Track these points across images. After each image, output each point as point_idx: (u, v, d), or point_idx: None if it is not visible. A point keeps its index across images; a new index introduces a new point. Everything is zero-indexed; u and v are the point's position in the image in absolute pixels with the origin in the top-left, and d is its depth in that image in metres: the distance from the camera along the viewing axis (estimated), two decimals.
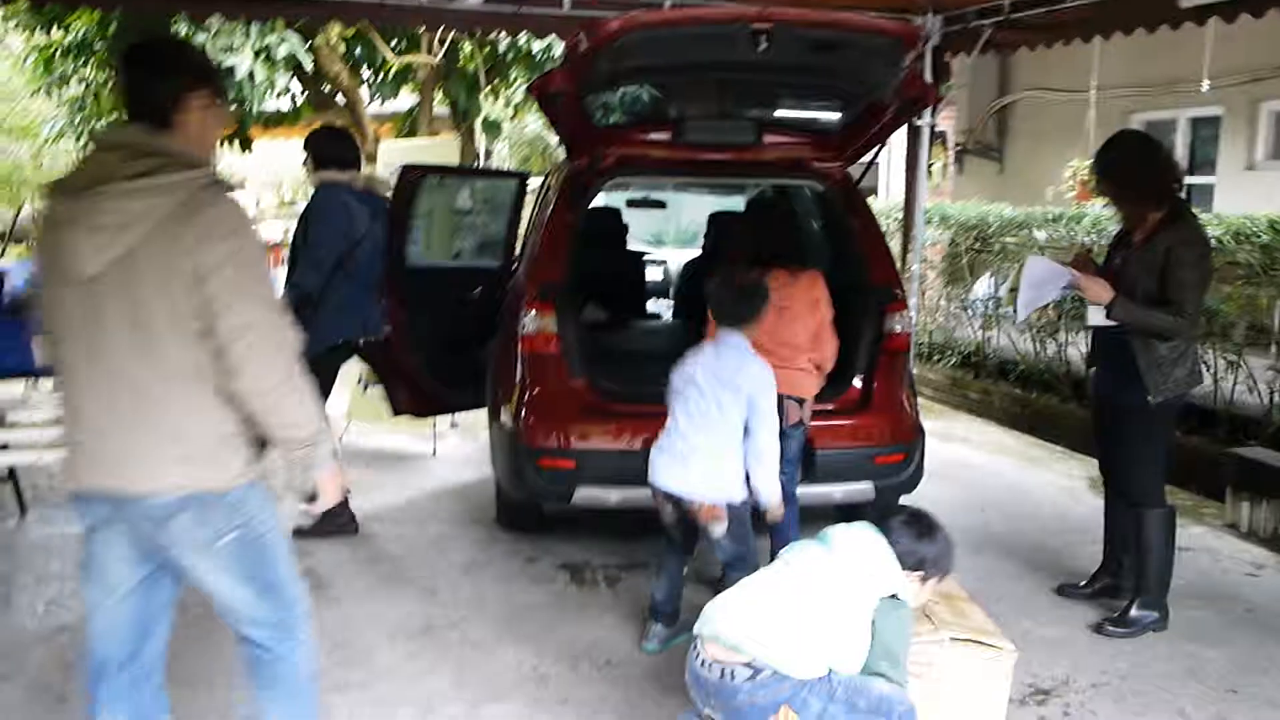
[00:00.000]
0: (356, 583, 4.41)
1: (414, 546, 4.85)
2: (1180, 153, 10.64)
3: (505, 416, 4.63)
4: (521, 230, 6.58)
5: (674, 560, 3.82)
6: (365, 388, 6.37)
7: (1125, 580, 4.33)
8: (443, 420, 6.69)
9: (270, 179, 19.17)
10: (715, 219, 6.09)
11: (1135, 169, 3.96)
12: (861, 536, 2.85)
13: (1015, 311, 4.27)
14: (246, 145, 12.42)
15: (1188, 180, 10.67)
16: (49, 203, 2.37)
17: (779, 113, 4.76)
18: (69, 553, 4.64)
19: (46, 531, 4.93)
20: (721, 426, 3.48)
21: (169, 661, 2.71)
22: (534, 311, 4.38)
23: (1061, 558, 4.88)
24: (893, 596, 2.79)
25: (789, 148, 4.68)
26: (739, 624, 2.73)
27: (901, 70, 3.87)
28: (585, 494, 4.33)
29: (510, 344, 4.61)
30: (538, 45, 10.76)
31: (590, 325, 5.37)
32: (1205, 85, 7.80)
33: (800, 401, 4.06)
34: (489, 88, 12.18)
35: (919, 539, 2.86)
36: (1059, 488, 6.15)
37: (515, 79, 11.85)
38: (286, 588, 2.58)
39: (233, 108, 10.75)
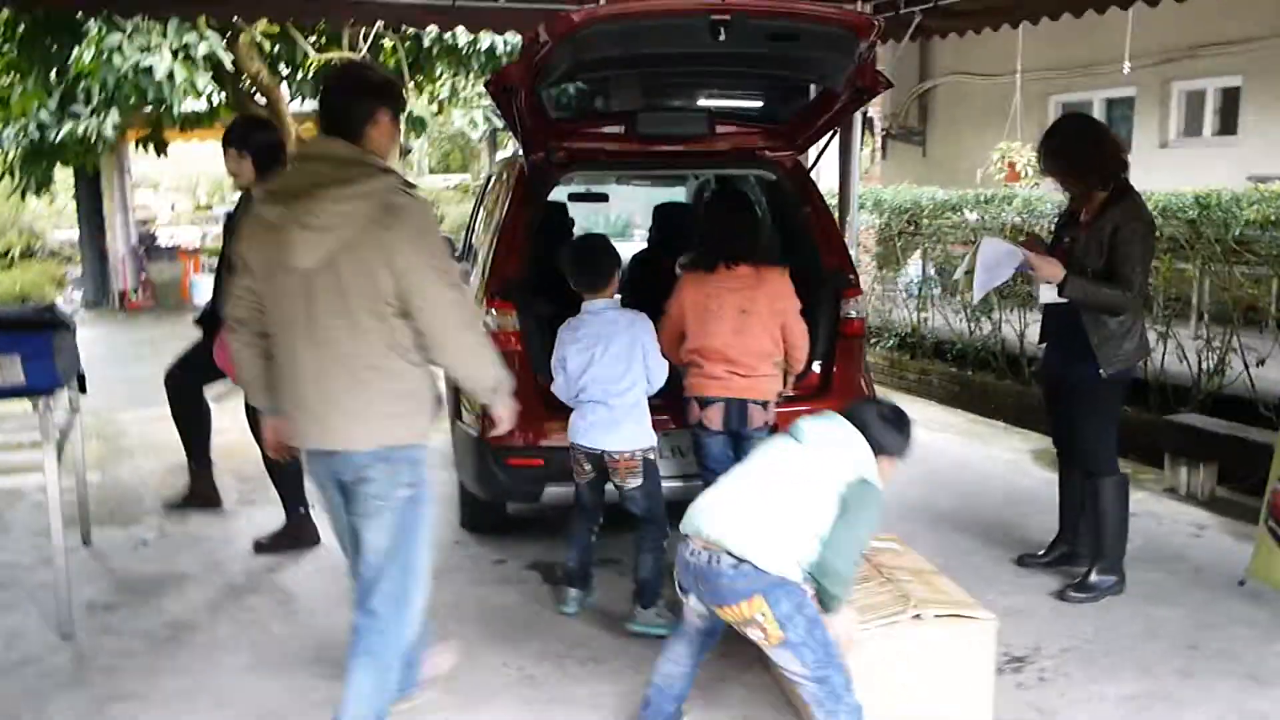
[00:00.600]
0: (326, 593, 4.32)
1: None
2: None
3: (468, 418, 4.59)
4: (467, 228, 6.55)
5: (584, 526, 4.08)
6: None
7: (1081, 548, 4.48)
8: None
9: (185, 182, 18.68)
10: (661, 211, 6.10)
11: (1082, 150, 4.07)
12: (830, 423, 3.01)
13: (972, 292, 4.35)
14: (161, 148, 12.07)
15: None
16: (264, 206, 2.82)
17: (732, 103, 4.80)
18: (15, 581, 4.50)
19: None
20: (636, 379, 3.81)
21: None
22: (494, 310, 4.35)
23: (1016, 529, 5.01)
24: (863, 480, 2.91)
25: (741, 137, 4.71)
26: (719, 520, 2.89)
27: (856, 60, 3.93)
28: (555, 491, 4.31)
29: None
30: (463, 39, 10.62)
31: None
32: (1126, 67, 8.05)
33: (764, 404, 4.06)
34: (412, 84, 12.01)
35: (884, 422, 3.02)
36: (1004, 462, 6.33)
37: (440, 74, 11.70)
38: (415, 569, 3.01)
39: (148, 109, 10.50)
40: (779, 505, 2.89)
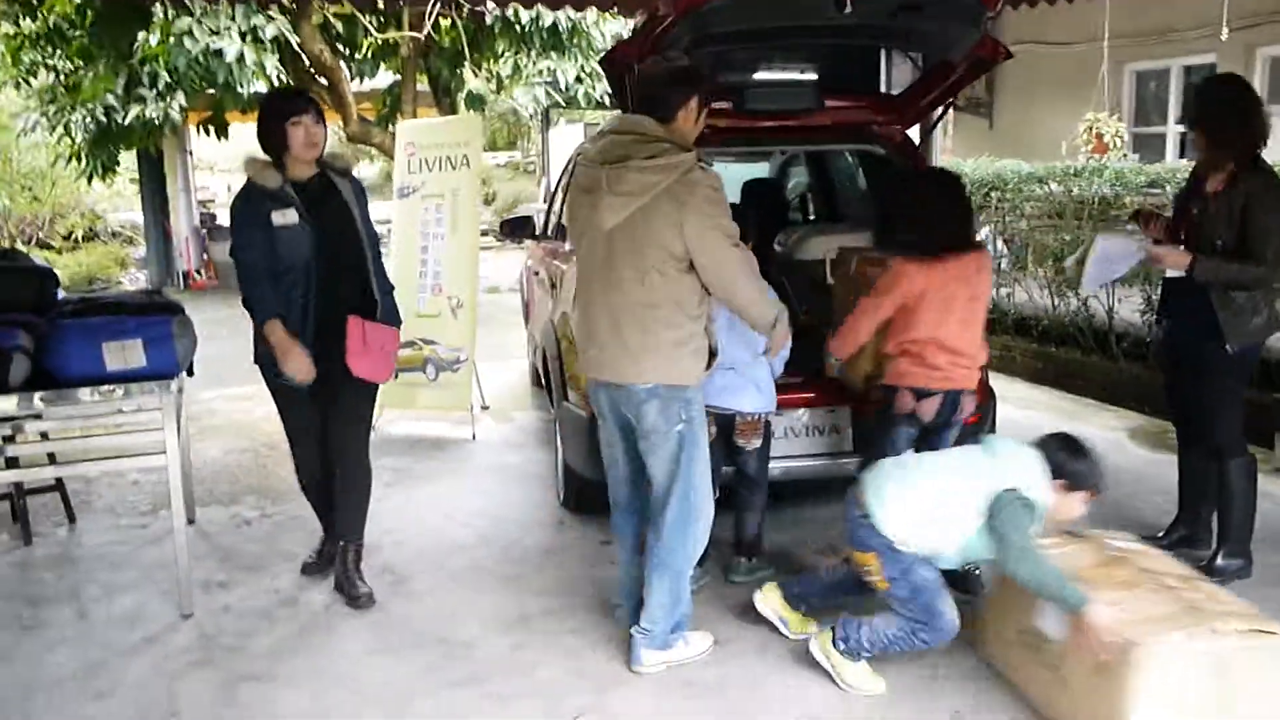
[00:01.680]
0: (436, 575, 4.33)
1: (484, 535, 4.77)
2: (1175, 101, 10.73)
3: (575, 398, 4.56)
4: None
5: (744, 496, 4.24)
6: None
7: (1201, 530, 4.37)
8: (474, 403, 6.61)
9: (237, 163, 18.82)
10: (749, 187, 6.01)
11: (1231, 118, 3.91)
12: (1018, 446, 3.32)
13: (1081, 284, 4.24)
14: (223, 130, 12.13)
15: (1184, 129, 10.79)
16: (583, 170, 3.33)
17: (844, 76, 4.69)
18: (127, 561, 4.54)
19: (100, 540, 4.80)
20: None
21: None
22: None
23: (1127, 511, 4.90)
24: (1017, 490, 3.17)
25: (850, 112, 4.61)
26: (874, 482, 3.34)
27: (979, 30, 3.82)
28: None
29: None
30: (525, 16, 10.54)
31: None
32: (1225, 34, 7.81)
33: (972, 394, 3.97)
34: (472, 62, 11.95)
35: (1066, 452, 3.28)
36: (1103, 440, 6.17)
37: (502, 52, 11.63)
38: (695, 496, 3.39)
39: (211, 92, 10.54)
40: (931, 492, 3.30)
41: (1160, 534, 4.47)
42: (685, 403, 3.34)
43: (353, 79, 12.29)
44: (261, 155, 3.86)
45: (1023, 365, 7.87)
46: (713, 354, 3.39)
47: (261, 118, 3.87)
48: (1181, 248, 3.97)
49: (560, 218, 6.25)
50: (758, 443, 4.10)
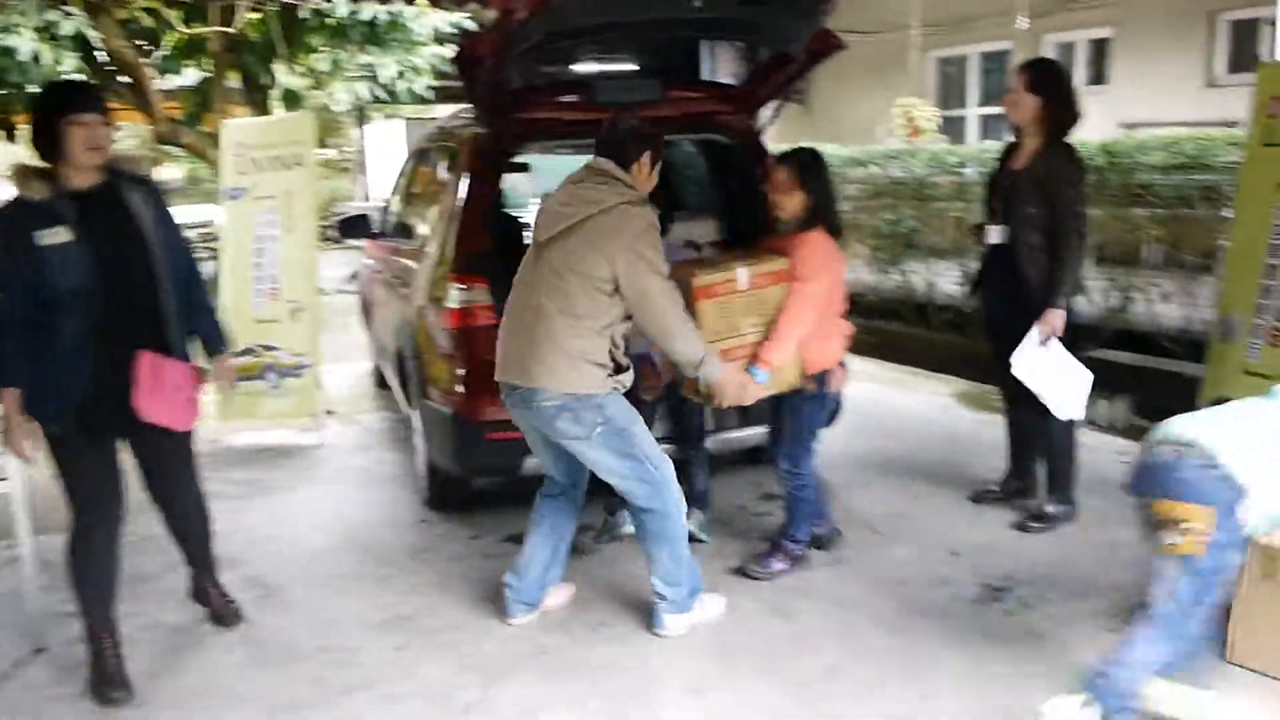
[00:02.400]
0: (305, 583, 4.23)
1: (349, 539, 4.69)
2: (974, 86, 11.45)
3: (437, 395, 4.54)
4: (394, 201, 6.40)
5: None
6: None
7: (1031, 482, 4.74)
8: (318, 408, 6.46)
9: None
10: None
11: (1057, 95, 4.25)
12: None
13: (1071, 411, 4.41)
14: (10, 133, 11.32)
15: (985, 111, 11.56)
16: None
17: (690, 68, 4.81)
18: None
19: None
20: None
21: None
22: (464, 285, 4.30)
23: (963, 469, 5.25)
24: None
25: (696, 103, 4.74)
26: (1194, 424, 2.88)
27: (818, 23, 4.01)
28: (533, 463, 4.29)
29: (431, 321, 4.52)
30: (343, 9, 10.28)
31: None
32: (1024, 23, 8.38)
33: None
34: (286, 58, 11.56)
35: None
36: (934, 406, 6.60)
37: (319, 47, 11.29)
38: (646, 465, 3.49)
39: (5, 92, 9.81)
40: (1254, 430, 2.89)
41: (995, 487, 4.82)
42: (597, 408, 3.41)
43: (160, 76, 11.70)
44: (33, 162, 3.26)
45: (854, 339, 8.24)
46: (621, 369, 3.47)
47: (35, 116, 3.25)
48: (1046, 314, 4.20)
49: (400, 216, 6.18)
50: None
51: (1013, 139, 4.50)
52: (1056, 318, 4.18)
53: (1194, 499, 2.77)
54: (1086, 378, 4.33)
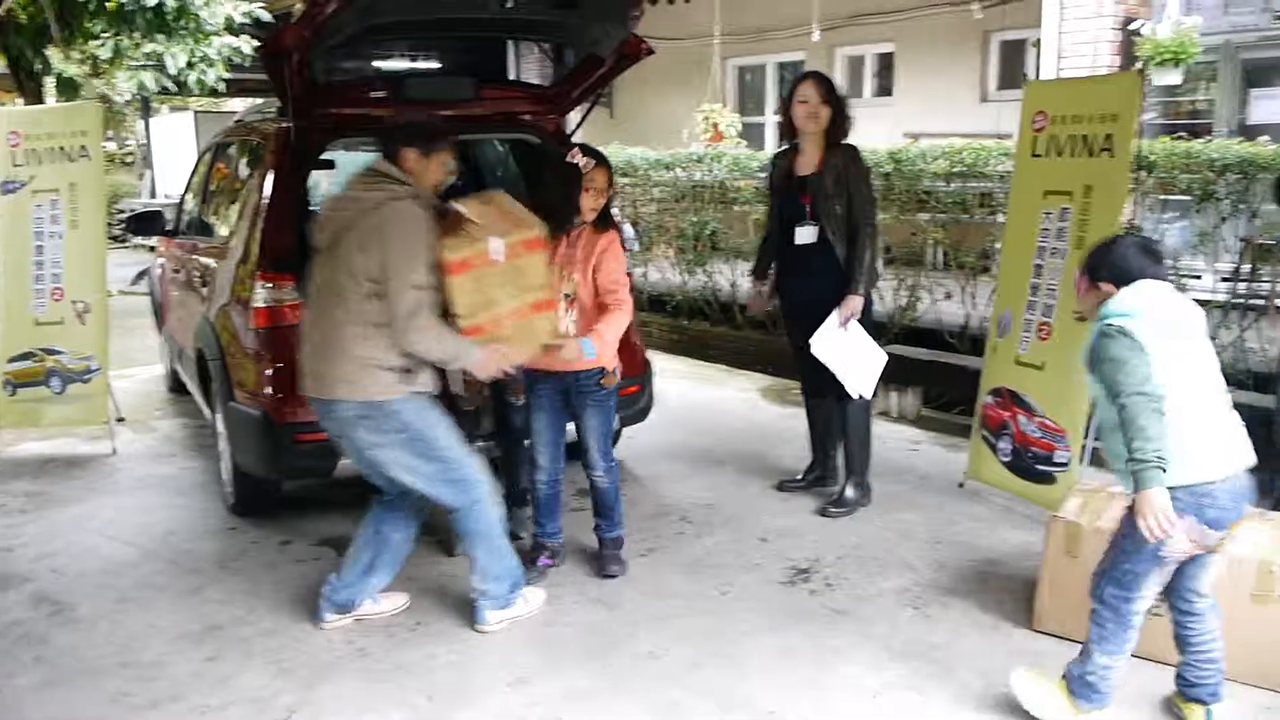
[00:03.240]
0: (102, 598, 4.02)
1: (150, 551, 4.48)
2: (771, 94, 11.91)
3: (243, 396, 4.40)
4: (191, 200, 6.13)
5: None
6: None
7: (831, 470, 5.02)
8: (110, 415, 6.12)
9: None
10: None
11: (844, 105, 4.55)
12: None
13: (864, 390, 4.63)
14: None
15: (780, 119, 12.02)
16: None
17: (500, 68, 4.84)
18: None
19: None
20: None
21: None
22: (271, 283, 4.19)
23: (768, 459, 5.51)
24: None
25: (505, 102, 4.77)
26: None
27: (627, 28, 4.12)
28: (348, 463, 4.23)
29: (236, 321, 4.38)
30: None
31: None
32: (816, 34, 8.78)
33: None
34: (61, 42, 10.82)
35: None
36: (740, 401, 6.86)
37: (100, 32, 10.62)
38: (451, 467, 3.49)
39: None
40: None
41: (799, 476, 5.08)
42: (393, 415, 3.39)
43: None
44: None
45: (660, 338, 8.47)
46: (410, 370, 3.39)
47: None
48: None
49: (198, 213, 5.93)
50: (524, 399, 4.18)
51: (787, 145, 4.76)
52: (856, 302, 4.47)
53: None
54: (881, 358, 4.62)
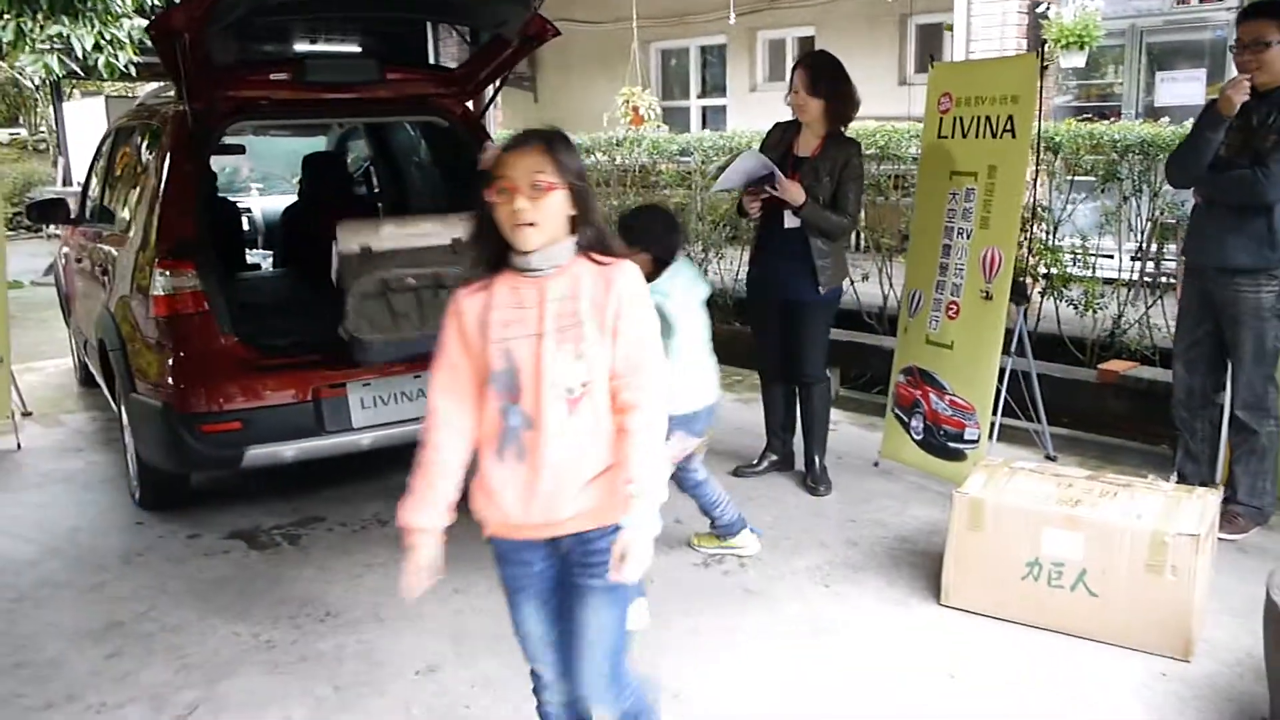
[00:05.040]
0: (1, 597, 3.90)
1: (52, 548, 4.35)
2: (695, 77, 11.93)
3: (146, 387, 4.30)
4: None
5: None
6: None
7: (788, 455, 5.01)
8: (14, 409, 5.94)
9: None
10: (311, 162, 5.93)
11: (843, 88, 4.48)
12: None
13: (716, 182, 4.57)
14: None
15: (705, 103, 12.06)
16: None
17: (403, 50, 4.76)
18: None
19: None
20: None
21: None
22: (169, 271, 4.09)
23: (725, 447, 5.32)
24: None
25: (411, 84, 4.70)
26: None
27: (529, 9, 4.08)
28: (256, 453, 4.18)
29: (137, 310, 4.27)
30: None
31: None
32: (732, 18, 8.79)
33: None
34: None
35: None
36: None
37: (1, 13, 10.24)
38: None
39: None
40: None
41: (755, 462, 5.06)
42: None
43: None
44: None
45: None
46: None
47: None
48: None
49: (100, 199, 5.77)
50: None
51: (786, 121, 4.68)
52: (799, 194, 4.38)
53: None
54: None
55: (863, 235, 7.11)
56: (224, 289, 4.27)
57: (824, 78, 4.47)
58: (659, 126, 9.76)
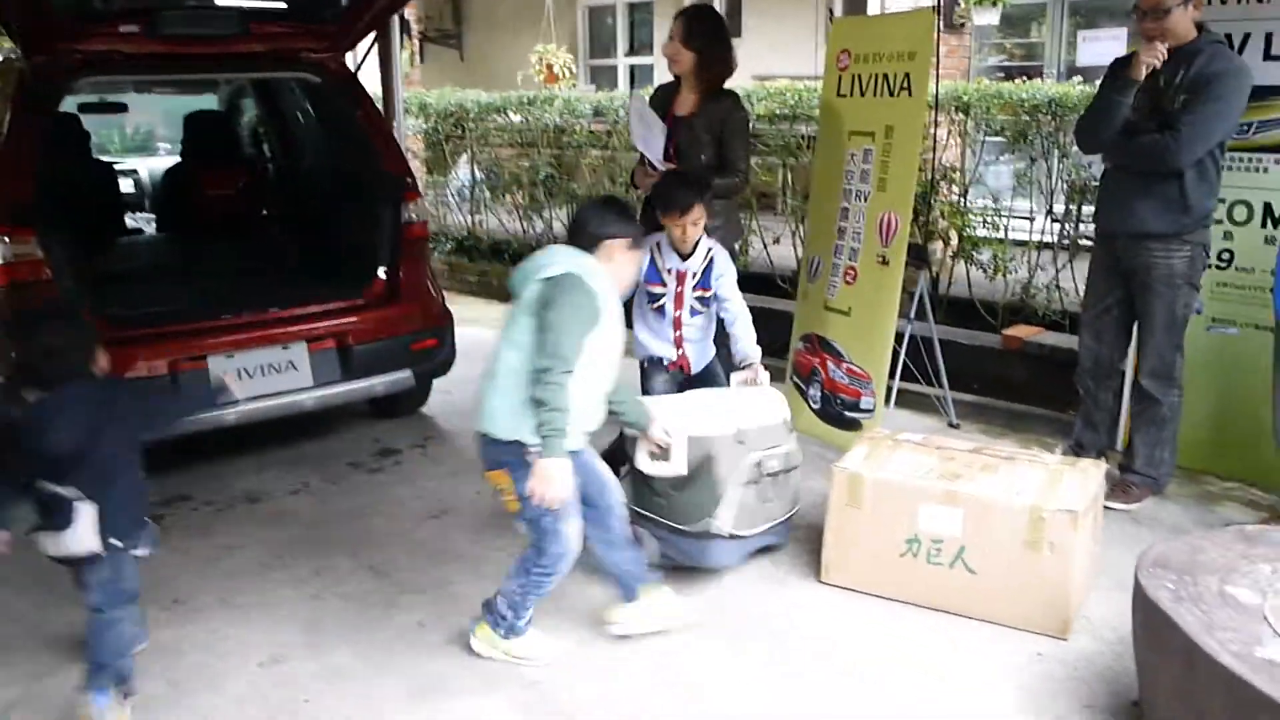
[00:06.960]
0: None
1: None
2: (622, 36, 11.64)
3: None
4: None
5: None
6: None
7: None
8: None
9: None
10: (193, 120, 5.63)
11: (721, 45, 4.25)
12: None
13: (632, 139, 4.32)
14: None
15: (632, 61, 11.80)
16: None
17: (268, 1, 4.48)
18: None
19: None
20: None
21: None
22: (8, 238, 3.81)
23: None
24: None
25: (279, 38, 4.42)
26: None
27: None
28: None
29: None
30: None
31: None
32: None
33: None
34: None
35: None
36: None
37: None
38: None
39: None
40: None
41: None
42: None
43: None
44: None
45: (501, 289, 8.21)
46: None
47: None
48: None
49: None
50: None
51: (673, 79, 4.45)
52: None
53: (492, 467, 2.98)
54: None
55: (787, 197, 6.94)
56: (79, 257, 3.99)
57: (700, 31, 4.26)
58: (573, 85, 9.50)
